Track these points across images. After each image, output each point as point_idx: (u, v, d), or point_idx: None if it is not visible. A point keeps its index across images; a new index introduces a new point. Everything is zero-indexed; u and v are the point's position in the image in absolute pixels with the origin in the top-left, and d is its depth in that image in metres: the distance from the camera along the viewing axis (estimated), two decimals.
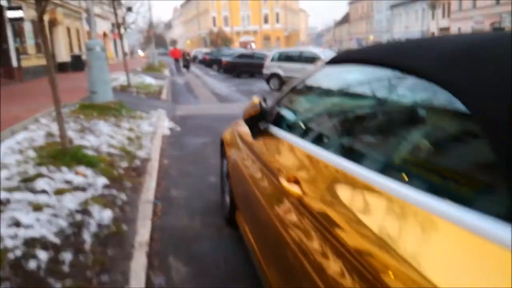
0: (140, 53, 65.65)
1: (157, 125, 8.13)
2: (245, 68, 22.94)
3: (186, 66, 27.87)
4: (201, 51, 43.74)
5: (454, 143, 1.15)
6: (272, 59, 16.93)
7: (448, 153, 1.15)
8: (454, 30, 41.32)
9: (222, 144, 3.75)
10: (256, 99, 2.42)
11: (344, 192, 1.38)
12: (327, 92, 2.07)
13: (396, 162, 1.29)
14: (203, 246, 3.26)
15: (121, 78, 15.50)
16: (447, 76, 1.14)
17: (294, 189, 1.63)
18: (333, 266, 1.22)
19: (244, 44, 72.24)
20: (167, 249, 3.20)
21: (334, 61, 1.96)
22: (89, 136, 6.22)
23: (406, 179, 1.16)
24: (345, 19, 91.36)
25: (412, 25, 54.16)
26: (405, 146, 1.30)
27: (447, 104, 1.14)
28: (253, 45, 71.52)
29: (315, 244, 1.37)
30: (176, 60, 27.70)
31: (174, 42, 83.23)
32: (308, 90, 2.23)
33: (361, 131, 1.58)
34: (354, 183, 1.34)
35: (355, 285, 1.08)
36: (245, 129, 2.75)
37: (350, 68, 1.83)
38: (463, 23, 38.97)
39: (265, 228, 2.03)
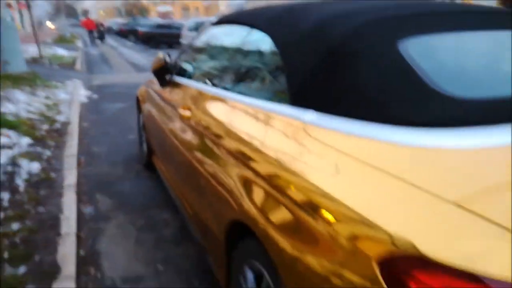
0: (50, 24, 61.58)
1: (73, 93, 8.34)
2: (162, 38, 22.87)
3: (101, 38, 27.00)
4: (116, 21, 42.18)
5: (274, 68, 1.85)
6: (189, 29, 17.23)
7: (266, 72, 1.85)
8: None
9: (137, 100, 4.32)
10: (161, 55, 3.03)
11: (219, 111, 2.08)
12: (211, 47, 2.74)
13: (248, 85, 2.00)
14: (124, 185, 3.86)
15: (30, 50, 14.95)
16: (269, 29, 1.86)
17: (186, 113, 2.31)
18: (218, 164, 1.87)
19: (163, 15, 70.29)
20: (93, 189, 3.76)
21: (217, 23, 2.64)
22: (7, 104, 6.38)
23: (254, 93, 1.88)
24: None
25: None
26: (252, 74, 2.01)
27: (272, 46, 1.85)
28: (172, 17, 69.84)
29: (206, 152, 2.05)
30: (90, 32, 26.57)
31: (86, 13, 78.71)
32: (200, 46, 2.89)
33: (229, 70, 2.27)
34: (227, 104, 2.03)
35: (241, 173, 1.64)
36: (156, 85, 3.36)
37: (227, 28, 2.51)
38: None
39: (172, 154, 2.70)
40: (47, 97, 7.56)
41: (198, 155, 2.14)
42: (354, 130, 1.27)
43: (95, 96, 8.50)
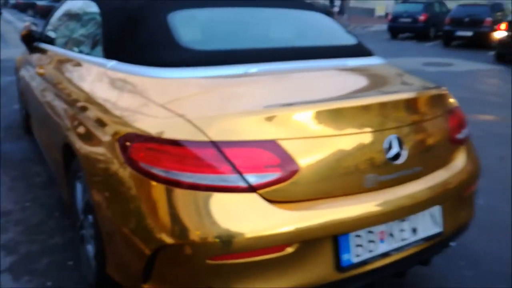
0: None
1: None
2: None
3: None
4: None
5: (99, 31, 2.40)
6: None
7: (95, 35, 2.40)
8: None
9: (16, 68, 4.62)
10: (27, 23, 3.44)
11: (59, 66, 2.61)
12: (64, 16, 3.23)
13: (82, 45, 2.55)
14: (4, 146, 4.21)
15: None
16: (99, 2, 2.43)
17: (40, 71, 2.81)
18: (56, 105, 2.44)
19: None
20: None
21: None
22: None
23: (85, 51, 2.43)
24: None
25: None
26: (85, 37, 2.55)
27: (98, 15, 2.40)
28: None
29: (50, 98, 2.57)
30: None
31: None
32: (58, 16, 3.36)
33: (71, 34, 2.79)
34: (65, 60, 2.57)
35: (66, 107, 2.26)
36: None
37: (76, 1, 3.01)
38: None
39: (36, 109, 3.16)
40: None
41: (47, 101, 2.67)
42: (132, 70, 1.93)
43: None
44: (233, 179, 1.44)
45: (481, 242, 2.74)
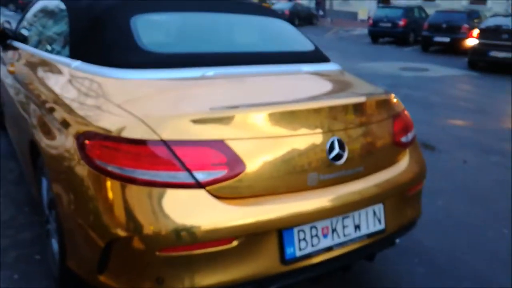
0: None
1: None
2: None
3: None
4: None
5: (66, 32, 2.49)
6: None
7: (62, 35, 2.49)
8: None
9: None
10: (1, 22, 3.50)
11: (27, 64, 2.69)
12: (35, 15, 3.31)
13: (50, 44, 2.63)
14: None
15: None
16: (66, 2, 2.52)
17: (11, 69, 2.88)
18: (23, 102, 2.53)
19: None
20: None
21: None
22: None
23: (52, 50, 2.52)
24: None
25: None
26: (54, 36, 2.63)
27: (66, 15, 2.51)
28: None
29: (19, 95, 2.65)
30: None
31: None
32: (31, 14, 3.43)
33: (41, 33, 2.88)
34: (33, 58, 2.65)
35: (32, 105, 2.36)
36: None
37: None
38: None
39: (8, 106, 3.21)
40: None
41: (16, 99, 2.74)
42: (93, 70, 2.05)
43: None
44: (182, 176, 1.56)
45: (436, 241, 2.90)
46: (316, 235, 1.78)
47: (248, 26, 2.65)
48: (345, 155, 1.84)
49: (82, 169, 1.67)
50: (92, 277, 1.70)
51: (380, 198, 1.97)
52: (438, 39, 14.82)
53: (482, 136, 5.43)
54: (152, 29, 2.27)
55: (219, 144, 1.60)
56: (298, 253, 1.73)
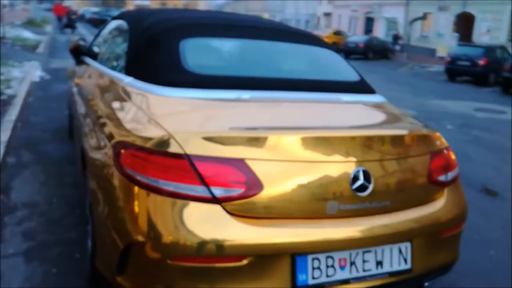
0: (25, 7, 60.68)
1: (28, 72, 8.97)
2: None
3: (70, 26, 26.22)
4: (90, 10, 42.21)
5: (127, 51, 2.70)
6: None
7: (124, 53, 2.70)
8: (335, 16, 45.31)
9: (67, 77, 5.09)
10: (76, 38, 3.85)
11: (91, 78, 2.92)
12: (105, 34, 3.59)
13: (112, 61, 2.85)
14: (48, 147, 4.64)
15: None
16: (130, 23, 2.73)
17: (77, 81, 3.15)
18: (83, 112, 2.75)
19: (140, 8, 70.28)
20: (20, 146, 4.53)
21: (114, 18, 3.49)
22: None
23: (113, 67, 2.73)
24: None
25: (302, 7, 57.64)
26: (117, 54, 2.85)
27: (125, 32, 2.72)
28: None
29: (81, 106, 2.89)
30: (59, 18, 26.09)
31: None
32: (103, 34, 3.73)
33: (107, 51, 3.13)
34: (96, 74, 2.89)
35: (87, 115, 2.59)
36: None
37: (117, 21, 3.35)
38: (343, 10, 43.00)
39: (74, 116, 3.51)
40: (1, 74, 8.18)
41: (78, 109, 2.98)
42: (141, 86, 2.18)
43: (48, 77, 9.16)
44: (200, 190, 1.61)
45: None
46: (332, 266, 1.74)
47: (293, 54, 2.71)
48: (371, 187, 1.80)
49: (114, 176, 1.78)
50: (112, 278, 1.79)
51: (407, 236, 1.89)
52: None
53: None
54: (200, 52, 2.40)
55: (240, 163, 1.65)
56: (311, 281, 1.71)
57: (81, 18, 39.49)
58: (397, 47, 30.13)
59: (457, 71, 17.22)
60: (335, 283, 1.74)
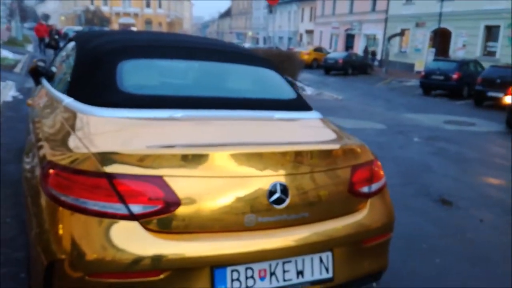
0: (7, 25, 60.42)
1: (1, 92, 8.95)
2: None
3: (53, 46, 24.78)
4: (73, 28, 42.20)
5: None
6: None
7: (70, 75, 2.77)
8: (317, 33, 46.02)
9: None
10: (35, 60, 3.92)
11: (39, 99, 2.97)
12: (60, 55, 3.66)
13: (59, 82, 2.92)
14: (10, 168, 4.65)
15: None
16: (79, 44, 2.81)
17: (29, 102, 3.22)
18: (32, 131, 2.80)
19: (124, 26, 70.55)
20: None
21: (70, 39, 3.57)
22: None
23: (60, 87, 2.80)
24: (228, 13, 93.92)
25: (285, 25, 58.47)
26: (65, 75, 2.92)
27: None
28: (134, 29, 70.17)
29: (30, 127, 2.94)
30: (41, 39, 24.18)
31: (46, 17, 77.77)
32: (59, 56, 3.80)
33: (58, 72, 3.19)
34: (43, 94, 2.94)
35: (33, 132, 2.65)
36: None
37: (71, 43, 3.43)
38: (324, 27, 43.73)
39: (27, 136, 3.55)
40: None
41: (28, 129, 3.04)
42: (78, 107, 2.25)
43: (21, 97, 9.14)
44: (118, 207, 1.68)
45: None
46: (252, 277, 1.81)
47: (231, 74, 2.82)
48: (288, 200, 1.89)
49: (41, 195, 1.84)
50: None
51: (328, 246, 1.97)
52: (491, 94, 14.30)
53: (508, 196, 5.14)
54: (138, 73, 2.48)
55: (158, 180, 1.72)
56: None
57: (65, 37, 39.40)
58: (376, 63, 30.70)
59: (432, 85, 17.63)
60: None
